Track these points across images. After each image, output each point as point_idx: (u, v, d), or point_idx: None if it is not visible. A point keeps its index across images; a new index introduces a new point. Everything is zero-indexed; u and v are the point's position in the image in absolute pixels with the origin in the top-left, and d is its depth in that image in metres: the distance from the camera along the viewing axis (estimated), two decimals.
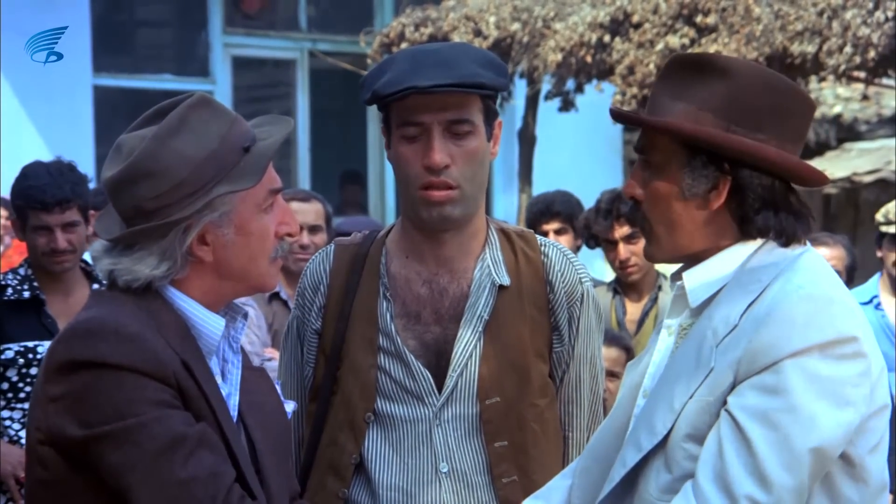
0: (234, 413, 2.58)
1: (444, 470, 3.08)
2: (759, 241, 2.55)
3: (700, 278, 2.57)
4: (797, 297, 2.43)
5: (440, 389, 3.09)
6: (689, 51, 9.40)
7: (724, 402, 2.43)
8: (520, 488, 3.07)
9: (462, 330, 3.09)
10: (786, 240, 2.54)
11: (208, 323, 2.55)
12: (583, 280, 3.21)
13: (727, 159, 2.51)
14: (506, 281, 3.13)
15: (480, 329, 3.10)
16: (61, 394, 2.41)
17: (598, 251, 6.42)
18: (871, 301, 6.77)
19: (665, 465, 2.48)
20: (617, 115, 2.69)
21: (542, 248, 3.21)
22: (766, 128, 2.51)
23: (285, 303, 5.87)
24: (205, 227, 2.50)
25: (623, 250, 5.89)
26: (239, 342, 2.65)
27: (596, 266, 10.31)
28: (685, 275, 2.59)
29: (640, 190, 2.59)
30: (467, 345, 3.09)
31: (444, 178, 3.04)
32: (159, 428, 2.38)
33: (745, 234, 2.55)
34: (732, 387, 2.43)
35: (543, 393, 3.15)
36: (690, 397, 2.46)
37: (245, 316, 2.66)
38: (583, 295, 3.20)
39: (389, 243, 3.21)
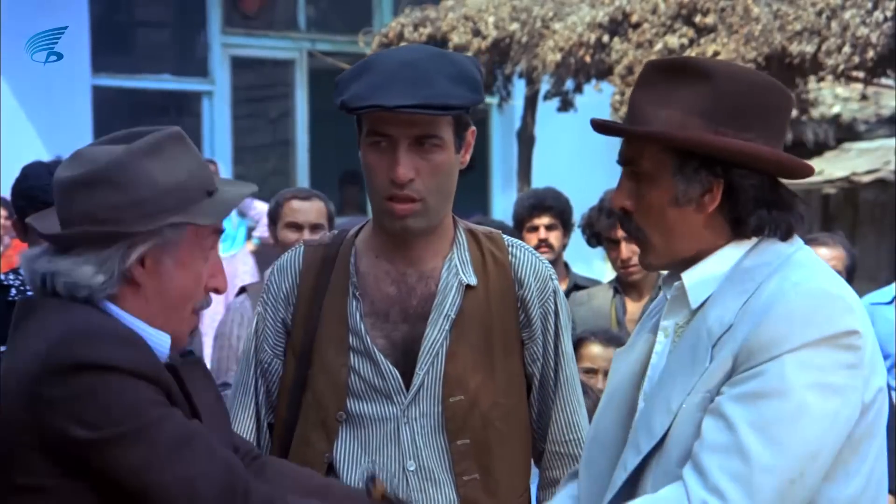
0: None
1: (412, 468, 3.10)
2: (752, 240, 2.55)
3: (699, 277, 2.56)
4: (795, 294, 2.43)
5: (408, 388, 3.11)
6: (688, 51, 9.41)
7: (718, 394, 2.43)
8: (480, 486, 3.11)
9: (429, 328, 3.11)
10: (782, 234, 2.54)
11: (153, 339, 2.54)
12: (552, 277, 3.24)
13: (719, 162, 2.50)
14: (472, 280, 3.16)
15: (447, 328, 3.12)
16: (62, 396, 2.38)
17: (595, 251, 6.42)
18: (893, 301, 6.75)
19: (664, 466, 2.48)
20: (601, 126, 2.64)
21: (510, 248, 3.24)
22: (753, 127, 2.50)
23: None
24: (148, 249, 2.50)
25: (625, 249, 5.89)
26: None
27: (595, 266, 10.32)
28: (684, 275, 2.58)
29: (629, 201, 2.58)
30: (434, 343, 3.12)
31: (408, 191, 3.06)
32: (170, 425, 2.40)
33: (739, 234, 2.54)
34: (726, 381, 2.43)
35: (509, 393, 3.17)
36: (688, 395, 2.46)
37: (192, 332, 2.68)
38: (555, 291, 3.23)
39: (359, 243, 3.22)
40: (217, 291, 2.63)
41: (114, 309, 2.52)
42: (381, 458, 3.11)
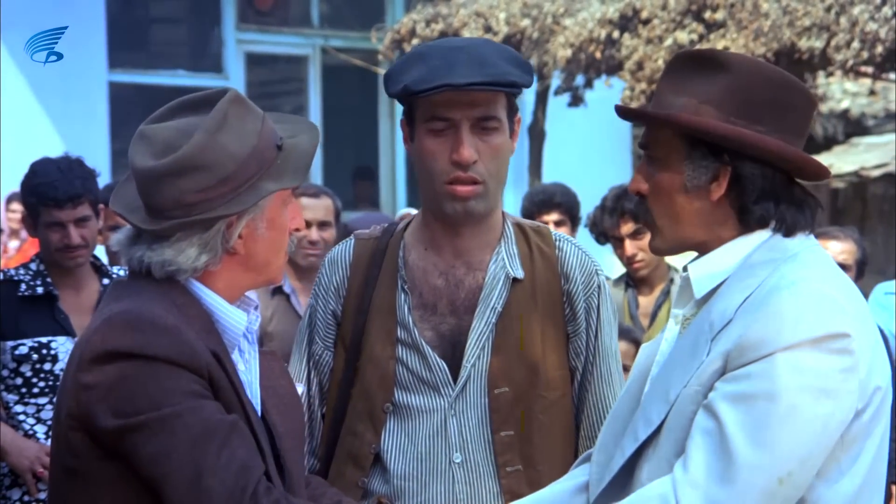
0: (256, 401, 2.63)
1: (458, 460, 3.13)
2: (761, 234, 2.57)
3: (704, 269, 2.60)
4: (788, 293, 2.45)
5: (455, 380, 3.14)
6: (698, 46, 9.45)
7: (710, 391, 2.46)
8: (524, 478, 3.12)
9: (476, 321, 3.14)
10: (786, 230, 2.57)
11: (231, 318, 2.59)
12: (598, 272, 3.27)
13: (726, 150, 2.54)
14: (520, 274, 3.18)
15: (493, 320, 3.15)
16: (95, 383, 2.43)
17: (600, 248, 6.47)
18: None
19: (659, 454, 2.52)
20: (622, 111, 2.73)
21: (557, 242, 3.26)
22: (765, 120, 2.54)
23: (288, 297, 5.84)
24: (245, 222, 2.56)
25: (629, 246, 5.95)
26: (254, 333, 2.70)
27: (605, 260, 10.37)
28: (690, 266, 2.62)
29: (644, 185, 2.63)
30: (481, 336, 3.14)
31: (472, 173, 3.09)
32: (194, 418, 2.41)
33: (744, 224, 2.58)
34: (719, 377, 2.46)
35: (554, 386, 3.19)
36: (684, 387, 2.50)
37: (256, 308, 2.71)
38: (599, 286, 3.26)
39: (408, 236, 3.26)
40: (297, 231, 2.69)
41: (199, 288, 2.56)
42: (428, 450, 3.13)
